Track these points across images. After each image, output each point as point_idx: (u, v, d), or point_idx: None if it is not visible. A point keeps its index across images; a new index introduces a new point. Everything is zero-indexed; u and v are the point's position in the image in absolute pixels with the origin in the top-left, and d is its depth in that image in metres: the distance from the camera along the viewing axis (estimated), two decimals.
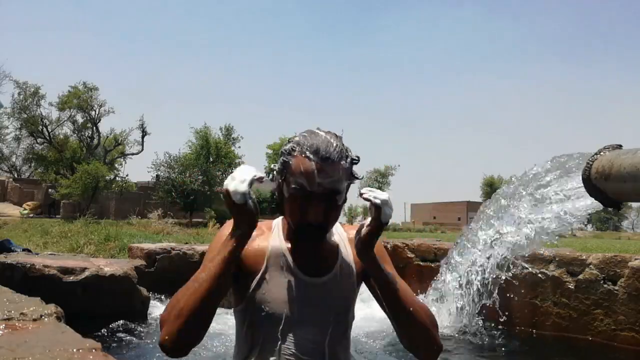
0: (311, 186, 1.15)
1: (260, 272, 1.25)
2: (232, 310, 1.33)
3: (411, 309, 1.19)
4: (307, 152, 1.16)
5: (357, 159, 1.24)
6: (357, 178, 1.25)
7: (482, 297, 3.66)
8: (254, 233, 1.23)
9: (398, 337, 1.26)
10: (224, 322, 2.71)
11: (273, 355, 1.22)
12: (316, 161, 1.15)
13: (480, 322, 3.65)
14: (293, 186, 1.17)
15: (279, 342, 1.22)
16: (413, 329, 1.20)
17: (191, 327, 1.08)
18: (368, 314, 3.79)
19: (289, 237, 1.29)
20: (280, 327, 1.22)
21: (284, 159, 1.21)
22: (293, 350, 1.22)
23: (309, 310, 1.24)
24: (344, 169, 1.18)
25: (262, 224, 1.33)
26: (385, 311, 1.27)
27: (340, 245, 1.33)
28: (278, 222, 1.35)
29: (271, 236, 1.30)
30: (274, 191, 1.28)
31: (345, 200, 1.25)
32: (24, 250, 3.93)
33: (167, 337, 1.07)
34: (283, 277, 1.25)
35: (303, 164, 1.15)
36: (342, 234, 1.36)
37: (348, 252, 1.33)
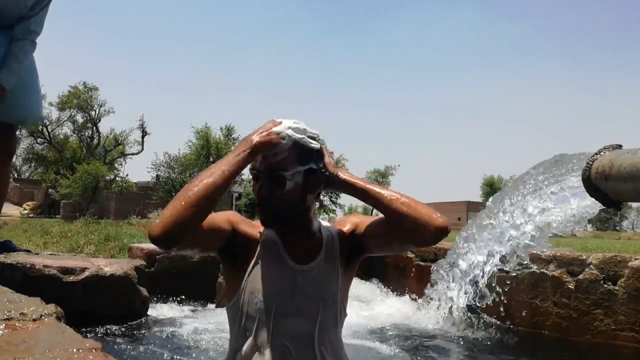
0: (257, 166, 1.27)
1: (253, 260, 1.30)
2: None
3: (395, 193, 1.26)
4: None
5: (314, 147, 1.29)
6: (317, 167, 1.29)
7: (482, 297, 3.66)
8: (250, 225, 1.36)
9: (400, 234, 1.26)
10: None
11: (265, 345, 1.25)
12: None
13: (480, 322, 3.65)
14: (250, 168, 1.29)
15: (270, 331, 1.25)
16: (407, 205, 1.22)
17: (190, 211, 1.14)
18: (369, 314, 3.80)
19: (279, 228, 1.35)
20: (272, 315, 1.25)
21: None
22: (282, 339, 1.24)
23: (297, 298, 1.27)
24: (293, 152, 1.24)
25: (258, 221, 1.40)
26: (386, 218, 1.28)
27: (324, 233, 1.36)
28: None
29: (266, 228, 1.36)
30: None
31: (311, 188, 1.29)
32: (23, 251, 3.90)
33: (158, 221, 1.14)
34: (273, 265, 1.30)
35: None
36: (331, 228, 1.40)
37: (334, 238, 1.36)
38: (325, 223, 1.43)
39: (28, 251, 3.68)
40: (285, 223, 1.31)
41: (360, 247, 1.36)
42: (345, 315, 1.38)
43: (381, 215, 1.32)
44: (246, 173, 1.38)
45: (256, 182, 1.28)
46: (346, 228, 1.39)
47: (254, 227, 1.37)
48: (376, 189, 1.28)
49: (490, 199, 3.24)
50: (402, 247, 1.33)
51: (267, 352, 1.24)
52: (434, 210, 1.23)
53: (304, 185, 1.28)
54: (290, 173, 1.25)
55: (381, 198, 1.25)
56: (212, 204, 1.19)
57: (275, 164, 1.24)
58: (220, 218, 1.30)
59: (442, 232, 1.20)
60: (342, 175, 1.32)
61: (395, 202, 1.23)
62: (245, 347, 1.27)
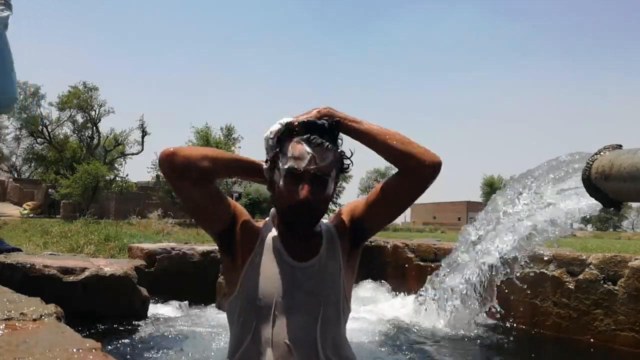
0: (302, 167, 1.25)
1: (252, 255, 1.31)
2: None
3: (390, 131, 1.33)
4: (299, 138, 1.27)
5: (346, 154, 1.35)
6: (346, 170, 1.35)
7: (482, 297, 3.66)
8: (252, 220, 1.38)
9: (397, 181, 1.33)
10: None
11: (265, 343, 1.24)
12: (308, 146, 1.26)
13: (480, 322, 3.65)
14: (286, 167, 1.26)
15: (271, 329, 1.24)
16: (402, 144, 1.30)
17: (200, 154, 1.24)
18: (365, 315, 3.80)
19: (280, 226, 1.35)
20: (272, 313, 1.25)
21: (278, 145, 1.31)
22: (284, 337, 1.23)
23: (297, 295, 1.27)
24: (333, 157, 1.29)
25: (260, 221, 1.43)
26: (386, 157, 1.35)
27: (324, 229, 1.38)
28: (272, 215, 1.40)
29: (265, 225, 1.38)
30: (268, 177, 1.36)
31: (334, 191, 1.35)
32: (13, 249, 3.76)
33: (177, 149, 1.22)
34: (272, 262, 1.30)
35: (295, 148, 1.27)
36: (329, 224, 1.42)
37: (335, 238, 1.37)
38: (324, 220, 1.44)
39: (18, 249, 3.64)
40: (313, 226, 1.33)
41: (362, 229, 1.38)
42: (349, 310, 1.38)
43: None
44: None
45: (294, 184, 1.26)
46: (343, 219, 1.40)
47: (255, 224, 1.38)
48: (373, 126, 1.33)
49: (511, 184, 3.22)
50: (401, 189, 1.34)
51: (269, 351, 1.23)
52: (426, 147, 1.34)
53: (334, 189, 1.34)
54: (331, 178, 1.29)
55: (377, 136, 1.30)
56: (219, 165, 1.28)
57: (323, 168, 1.26)
58: (229, 200, 1.34)
59: (436, 165, 1.31)
60: (339, 114, 1.33)
61: (391, 140, 1.30)
62: (245, 345, 1.26)
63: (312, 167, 1.24)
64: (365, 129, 1.32)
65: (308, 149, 1.26)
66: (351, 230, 1.38)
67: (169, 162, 1.21)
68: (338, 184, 1.40)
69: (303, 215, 1.27)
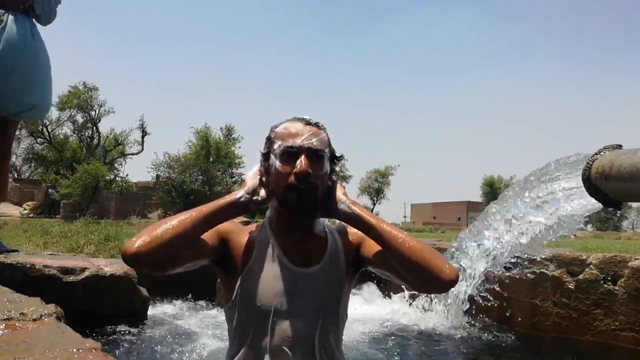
0: (298, 143, 1.22)
1: (249, 264, 1.26)
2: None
3: (406, 238, 1.17)
4: (293, 119, 1.28)
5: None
6: (338, 159, 1.33)
7: (481, 296, 3.66)
8: (242, 232, 1.31)
9: (405, 279, 1.19)
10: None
11: (263, 350, 1.21)
12: (302, 123, 1.27)
13: (480, 322, 3.65)
14: (282, 144, 1.23)
15: (269, 335, 1.21)
16: (417, 256, 1.14)
17: (166, 241, 1.11)
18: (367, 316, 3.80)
19: (277, 229, 1.30)
20: (270, 319, 1.21)
21: (271, 134, 1.30)
22: (282, 344, 1.20)
23: (297, 301, 1.23)
24: (326, 137, 1.29)
25: (252, 224, 1.38)
26: (391, 268, 1.22)
27: (329, 237, 1.33)
28: (266, 218, 1.36)
29: (259, 230, 1.33)
30: (262, 175, 1.30)
31: (330, 177, 1.30)
32: (9, 250, 3.70)
33: (136, 241, 1.10)
34: (271, 267, 1.25)
35: (290, 127, 1.26)
36: (332, 229, 1.37)
37: (338, 244, 1.33)
38: (327, 223, 1.39)
39: (15, 251, 3.63)
40: (313, 210, 1.27)
41: (362, 264, 1.34)
42: (346, 317, 1.35)
43: None
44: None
45: (291, 161, 1.21)
46: (351, 240, 1.35)
47: (247, 233, 1.32)
48: (386, 227, 1.20)
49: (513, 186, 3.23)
50: (403, 285, 1.29)
51: (266, 358, 1.21)
52: (444, 260, 1.16)
53: (330, 171, 1.29)
54: (327, 155, 1.27)
55: (391, 240, 1.17)
56: (187, 235, 1.15)
57: (320, 144, 1.24)
58: (206, 234, 1.23)
59: (449, 285, 1.14)
60: (354, 208, 1.25)
61: (405, 248, 1.15)
62: (242, 352, 1.24)
63: (307, 142, 1.23)
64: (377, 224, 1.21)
65: (304, 127, 1.25)
66: (354, 255, 1.33)
67: (137, 265, 1.14)
68: (335, 178, 1.33)
69: (303, 192, 1.21)
